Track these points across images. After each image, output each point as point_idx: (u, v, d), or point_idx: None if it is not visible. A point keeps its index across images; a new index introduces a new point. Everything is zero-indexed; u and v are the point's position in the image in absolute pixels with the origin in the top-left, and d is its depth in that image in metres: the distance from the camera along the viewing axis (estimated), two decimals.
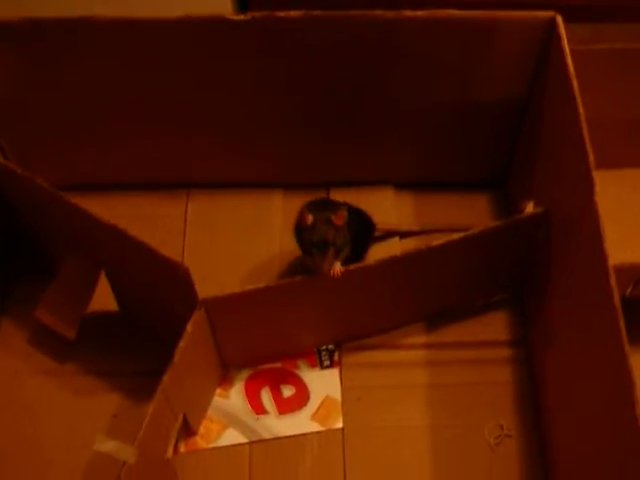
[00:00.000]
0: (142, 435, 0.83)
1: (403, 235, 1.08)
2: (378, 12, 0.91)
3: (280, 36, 0.93)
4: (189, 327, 0.86)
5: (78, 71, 0.97)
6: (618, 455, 0.78)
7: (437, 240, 0.92)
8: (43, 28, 0.92)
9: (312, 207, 0.92)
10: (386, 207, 1.11)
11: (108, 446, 0.83)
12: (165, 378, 0.85)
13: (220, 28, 0.92)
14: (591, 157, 0.83)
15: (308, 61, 0.96)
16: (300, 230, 0.90)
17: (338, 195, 1.09)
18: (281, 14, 0.90)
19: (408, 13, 0.91)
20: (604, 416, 0.81)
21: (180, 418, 0.91)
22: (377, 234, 1.06)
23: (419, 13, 0.91)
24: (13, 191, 0.95)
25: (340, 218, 0.89)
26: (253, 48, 0.93)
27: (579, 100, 0.86)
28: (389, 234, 1.07)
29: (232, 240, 1.07)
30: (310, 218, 0.88)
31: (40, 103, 1.01)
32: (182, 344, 0.86)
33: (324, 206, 0.92)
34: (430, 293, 1.00)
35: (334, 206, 0.92)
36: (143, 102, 1.01)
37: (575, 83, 0.86)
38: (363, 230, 0.99)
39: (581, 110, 0.86)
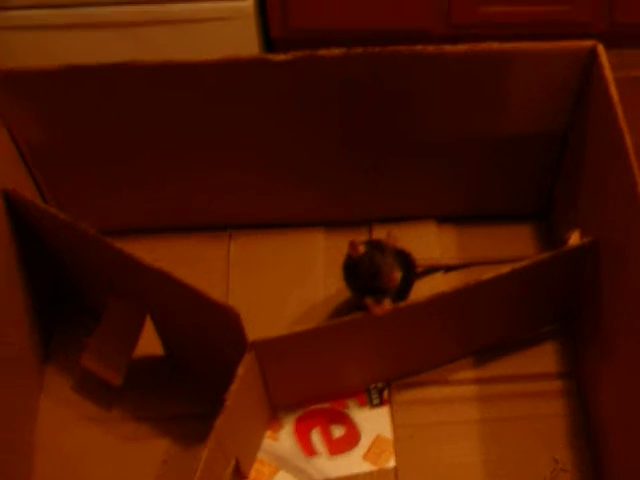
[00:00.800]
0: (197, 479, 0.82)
1: (447, 269, 1.07)
2: (419, 47, 0.91)
3: (321, 74, 0.92)
4: (240, 370, 0.86)
5: (117, 116, 0.98)
6: None
7: (483, 273, 0.90)
8: (83, 74, 0.92)
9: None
10: (429, 241, 1.10)
11: None
12: (217, 422, 0.84)
13: (262, 69, 0.91)
14: None
15: (348, 98, 0.96)
16: (352, 275, 0.90)
17: (380, 231, 1.08)
18: (323, 52, 0.90)
19: (449, 48, 0.91)
20: None
21: (232, 462, 0.90)
22: (419, 270, 1.05)
23: (460, 47, 0.91)
24: (56, 237, 0.95)
25: (393, 281, 0.88)
26: (294, 88, 0.93)
27: (625, 128, 0.85)
28: (432, 269, 1.06)
29: (276, 281, 1.07)
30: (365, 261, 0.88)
31: (79, 148, 1.01)
32: (234, 387, 0.85)
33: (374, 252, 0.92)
34: (478, 327, 0.99)
35: (381, 250, 0.91)
36: (182, 145, 1.01)
37: (620, 111, 0.86)
38: (407, 270, 0.98)
39: (627, 139, 0.85)
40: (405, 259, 0.99)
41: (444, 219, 1.12)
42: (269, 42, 1.85)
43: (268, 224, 1.11)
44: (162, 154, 1.02)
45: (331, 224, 1.11)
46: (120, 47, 1.74)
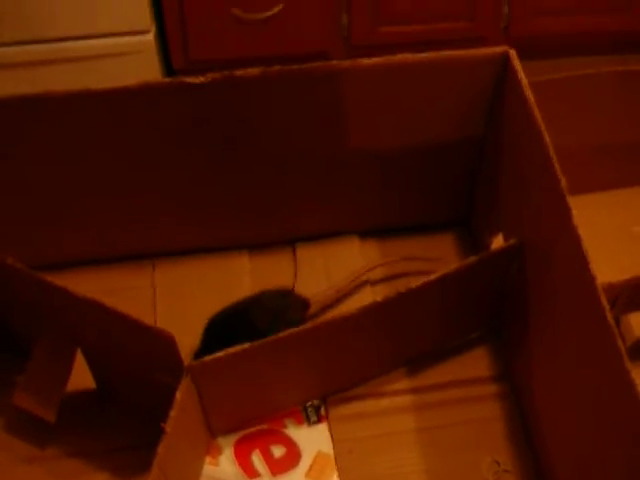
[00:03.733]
0: None
1: (373, 283, 1.07)
2: (334, 62, 0.91)
3: (239, 95, 0.92)
4: (178, 395, 0.85)
5: (34, 148, 0.96)
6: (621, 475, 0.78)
7: (411, 283, 0.91)
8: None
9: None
10: (353, 256, 1.10)
11: None
12: (160, 450, 0.83)
13: (178, 92, 0.91)
14: (563, 182, 0.84)
15: (268, 117, 0.96)
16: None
17: (304, 250, 1.08)
18: (239, 72, 0.90)
19: (365, 61, 0.92)
20: (606, 438, 0.81)
21: None
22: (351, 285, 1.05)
23: (374, 60, 0.92)
24: None
25: None
26: (214, 110, 0.93)
27: (543, 127, 0.87)
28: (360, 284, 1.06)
29: (203, 305, 1.05)
30: None
31: None
32: (173, 413, 0.84)
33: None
34: (410, 336, 1.00)
35: None
36: (99, 176, 1.01)
37: (537, 111, 0.87)
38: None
39: (547, 137, 0.87)
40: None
41: (366, 233, 1.12)
42: (172, 74, 1.84)
43: (192, 250, 1.10)
44: (79, 185, 1.01)
45: (255, 246, 1.11)
46: (19, 88, 1.72)
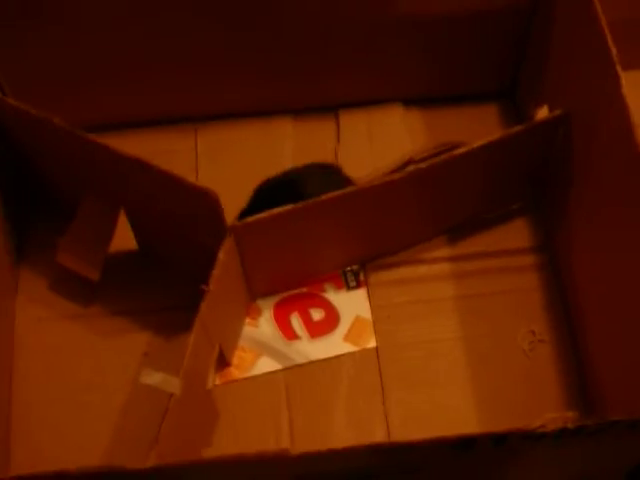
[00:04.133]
0: (185, 366, 0.82)
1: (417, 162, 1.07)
2: None
3: None
4: (221, 255, 0.86)
5: (79, 5, 0.95)
6: None
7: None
8: None
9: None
10: (396, 123, 1.11)
11: (155, 378, 0.83)
12: (202, 307, 0.84)
13: None
14: (614, 51, 0.82)
15: None
16: None
17: (347, 116, 1.08)
18: None
19: None
20: None
21: (217, 348, 0.90)
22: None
23: None
24: (26, 135, 0.94)
25: None
26: None
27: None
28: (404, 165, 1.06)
29: (245, 170, 1.06)
30: None
31: (40, 40, 0.99)
32: (215, 272, 0.85)
33: None
34: (450, 205, 1.00)
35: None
36: (142, 37, 1.00)
37: None
38: None
39: (598, 6, 0.85)
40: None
41: (411, 101, 1.11)
42: None
43: (234, 114, 1.09)
44: (120, 46, 1.00)
45: (298, 111, 1.10)
46: None
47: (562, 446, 0.73)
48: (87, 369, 0.97)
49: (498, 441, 0.69)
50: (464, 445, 0.69)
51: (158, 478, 0.70)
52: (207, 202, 0.83)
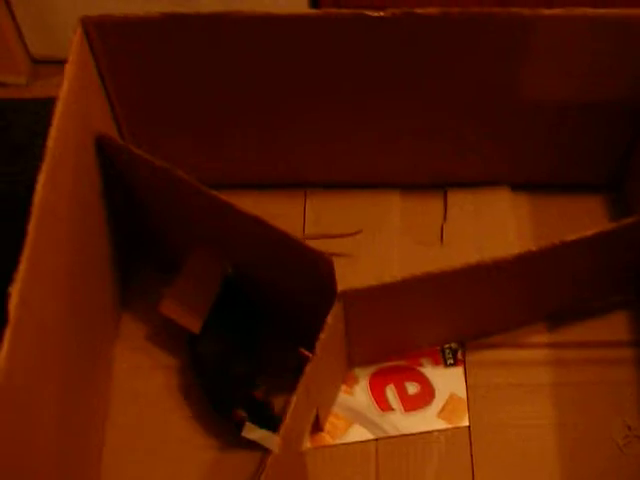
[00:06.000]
0: (285, 425, 0.83)
1: None
2: (515, 9, 0.91)
3: (415, 34, 0.93)
4: (329, 319, 0.87)
5: (208, 69, 0.98)
6: None
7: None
8: (183, 23, 0.92)
9: None
10: (503, 205, 1.12)
11: (256, 434, 0.84)
12: (307, 369, 0.85)
13: (358, 25, 0.92)
14: None
15: (438, 59, 0.96)
16: None
17: (455, 194, 1.09)
18: (420, 11, 0.90)
19: (545, 11, 0.91)
20: None
21: (314, 412, 0.91)
22: None
23: (556, 11, 0.91)
24: (144, 184, 0.96)
25: None
26: (389, 46, 0.94)
27: None
28: None
29: (352, 240, 1.07)
30: None
31: (166, 100, 1.01)
32: (322, 336, 0.86)
33: None
34: (555, 290, 1.00)
35: None
36: (267, 101, 1.02)
37: None
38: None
39: None
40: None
41: (518, 186, 1.12)
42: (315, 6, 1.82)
43: (343, 184, 1.11)
44: (242, 109, 1.02)
45: (407, 186, 1.12)
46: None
47: None
48: (180, 421, 0.98)
49: None
50: None
51: None
52: (321, 266, 0.84)
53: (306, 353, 0.87)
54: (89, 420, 0.94)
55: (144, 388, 1.00)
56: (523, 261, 0.92)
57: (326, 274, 0.85)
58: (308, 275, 0.87)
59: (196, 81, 0.98)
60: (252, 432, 0.85)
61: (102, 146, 0.94)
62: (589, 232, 0.92)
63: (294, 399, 0.83)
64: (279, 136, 1.05)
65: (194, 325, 0.98)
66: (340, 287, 0.88)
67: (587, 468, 0.95)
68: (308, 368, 0.85)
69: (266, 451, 0.82)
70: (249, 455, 0.93)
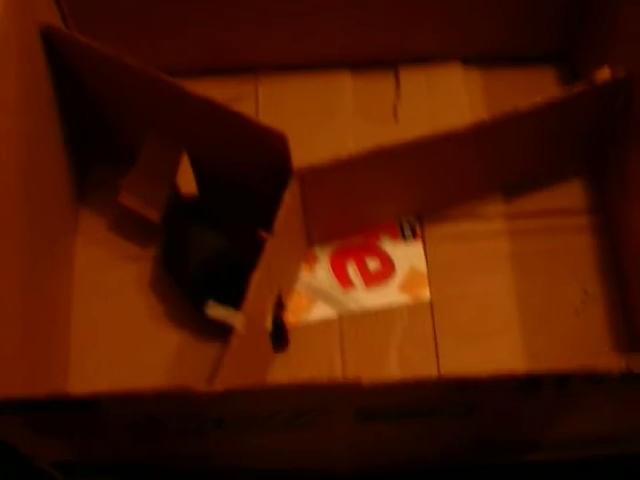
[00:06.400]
0: (248, 302, 0.83)
1: None
2: None
3: None
4: (286, 197, 0.87)
5: None
6: None
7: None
8: None
9: None
10: (455, 82, 1.12)
11: (219, 312, 0.84)
12: (267, 246, 0.85)
13: None
14: None
15: None
16: None
17: (407, 72, 1.09)
18: None
19: None
20: None
21: (276, 290, 0.91)
22: None
23: None
24: (94, 74, 0.95)
25: None
26: None
27: None
28: None
29: (305, 121, 1.07)
30: None
31: None
32: (280, 214, 0.86)
33: None
34: (509, 161, 1.00)
35: None
36: None
37: None
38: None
39: None
40: None
41: (469, 60, 1.12)
42: None
43: (293, 65, 1.10)
44: None
45: (357, 65, 1.11)
46: None
47: (623, 391, 0.74)
48: (144, 309, 0.98)
49: (562, 381, 0.70)
50: (529, 384, 0.70)
51: (224, 402, 0.71)
52: (276, 143, 0.84)
53: (263, 234, 0.86)
54: (54, 313, 0.94)
55: (106, 280, 1.00)
56: (476, 131, 0.92)
57: (281, 151, 0.85)
58: (263, 154, 0.87)
59: None
60: (215, 311, 0.85)
61: (48, 37, 0.92)
62: (539, 100, 0.92)
63: (255, 276, 0.83)
64: (223, 17, 1.03)
65: (153, 214, 0.98)
66: (296, 166, 0.88)
67: (547, 332, 0.97)
68: (268, 245, 0.85)
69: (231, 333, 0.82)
70: (216, 343, 0.93)
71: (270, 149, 0.85)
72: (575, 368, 0.69)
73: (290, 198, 0.87)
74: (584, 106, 0.96)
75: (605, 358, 0.71)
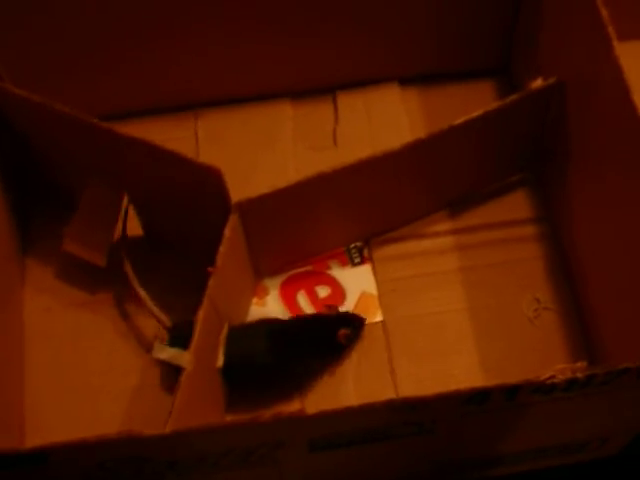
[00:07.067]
0: (195, 342, 0.83)
1: None
2: None
3: None
4: (227, 231, 0.87)
5: None
6: None
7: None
8: None
9: None
10: (393, 103, 1.12)
11: (166, 353, 0.84)
12: (210, 283, 0.85)
13: None
14: (604, 14, 0.83)
15: None
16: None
17: (345, 96, 1.09)
18: None
19: None
20: None
21: (225, 327, 0.91)
22: None
23: None
24: (25, 121, 0.94)
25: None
26: None
27: None
28: None
29: (246, 154, 1.07)
30: None
31: (37, 28, 0.99)
32: (222, 249, 0.86)
33: None
34: (451, 177, 1.01)
35: None
36: (138, 23, 1.00)
37: None
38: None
39: None
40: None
41: (407, 80, 1.12)
42: None
43: (232, 99, 1.10)
44: (120, 36, 1.01)
45: (297, 94, 1.11)
46: None
47: (572, 400, 0.74)
48: (97, 355, 0.98)
49: (510, 393, 0.70)
50: (478, 398, 0.69)
51: (174, 444, 0.70)
52: (211, 179, 0.84)
53: (210, 270, 0.86)
54: (6, 366, 0.93)
55: (56, 328, 0.99)
56: (414, 150, 0.92)
57: (218, 186, 0.85)
58: (201, 191, 0.87)
59: (59, 8, 0.96)
60: (162, 352, 0.85)
61: None
62: (475, 113, 0.92)
63: (201, 314, 0.83)
64: (157, 55, 1.03)
65: (99, 259, 0.97)
66: (235, 200, 0.88)
67: (502, 344, 0.97)
68: (211, 282, 0.84)
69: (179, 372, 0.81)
70: (170, 382, 0.93)
71: (207, 185, 0.85)
72: (521, 380, 0.69)
73: (230, 232, 0.87)
74: (520, 116, 0.97)
75: (554, 367, 0.71)
